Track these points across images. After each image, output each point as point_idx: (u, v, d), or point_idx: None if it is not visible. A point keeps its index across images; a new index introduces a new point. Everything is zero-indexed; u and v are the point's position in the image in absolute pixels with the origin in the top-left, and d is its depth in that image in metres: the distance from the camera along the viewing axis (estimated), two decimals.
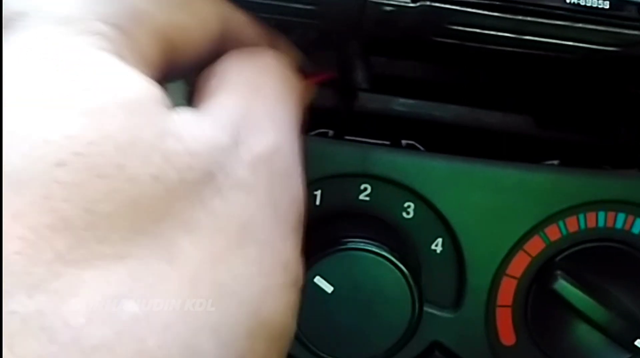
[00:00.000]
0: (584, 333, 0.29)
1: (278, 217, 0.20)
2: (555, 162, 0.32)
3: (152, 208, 0.17)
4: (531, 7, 0.27)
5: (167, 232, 0.17)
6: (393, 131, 0.33)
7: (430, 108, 0.33)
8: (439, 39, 0.34)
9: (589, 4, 0.27)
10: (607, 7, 0.27)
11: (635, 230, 0.29)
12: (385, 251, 0.27)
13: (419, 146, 0.32)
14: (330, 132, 0.32)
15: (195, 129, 0.18)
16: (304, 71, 0.30)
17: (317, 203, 0.29)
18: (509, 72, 0.38)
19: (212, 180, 0.18)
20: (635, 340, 0.29)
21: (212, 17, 0.23)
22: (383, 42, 0.38)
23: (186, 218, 0.17)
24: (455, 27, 0.31)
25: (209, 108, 0.20)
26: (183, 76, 0.26)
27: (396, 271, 0.27)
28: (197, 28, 0.22)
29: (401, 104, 0.33)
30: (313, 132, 0.32)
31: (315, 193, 0.29)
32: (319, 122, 0.32)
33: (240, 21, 0.26)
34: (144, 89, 0.18)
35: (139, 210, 0.16)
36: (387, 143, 0.32)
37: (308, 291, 0.27)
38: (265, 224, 0.19)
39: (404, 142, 0.32)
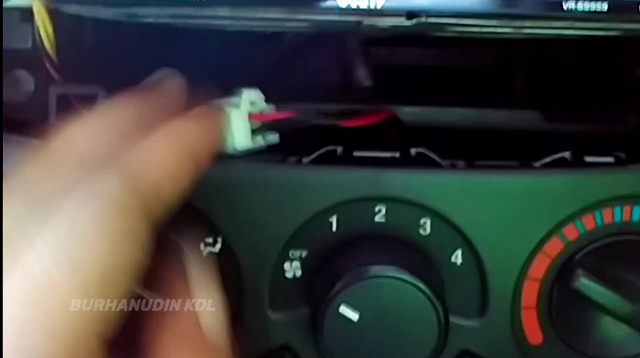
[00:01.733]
0: (610, 325, 0.30)
1: None
2: (567, 154, 0.32)
3: None
4: (528, 15, 0.27)
5: None
6: (402, 139, 0.33)
7: (436, 114, 0.33)
8: (439, 34, 0.34)
9: (586, 9, 0.26)
10: (606, 9, 0.26)
11: None
12: (405, 274, 0.27)
13: (429, 153, 0.32)
14: (339, 149, 0.32)
15: None
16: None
17: (334, 229, 0.29)
18: (512, 65, 0.37)
19: None
20: None
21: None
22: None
23: None
24: (454, 29, 0.31)
25: None
26: None
27: (419, 292, 0.27)
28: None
29: (407, 112, 0.33)
30: (321, 150, 0.32)
31: (331, 219, 0.29)
32: (326, 138, 0.32)
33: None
34: None
35: None
36: (397, 154, 0.32)
37: (334, 320, 0.27)
38: None
39: (413, 150, 0.32)
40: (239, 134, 0.31)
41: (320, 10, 0.27)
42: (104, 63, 0.34)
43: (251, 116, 0.31)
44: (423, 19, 0.28)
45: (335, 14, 0.28)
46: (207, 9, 0.29)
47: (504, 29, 0.29)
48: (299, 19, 0.29)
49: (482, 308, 0.30)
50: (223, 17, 0.30)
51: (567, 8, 0.26)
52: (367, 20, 0.28)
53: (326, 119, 0.32)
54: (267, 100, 0.32)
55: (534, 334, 0.30)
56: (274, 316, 0.30)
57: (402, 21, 0.28)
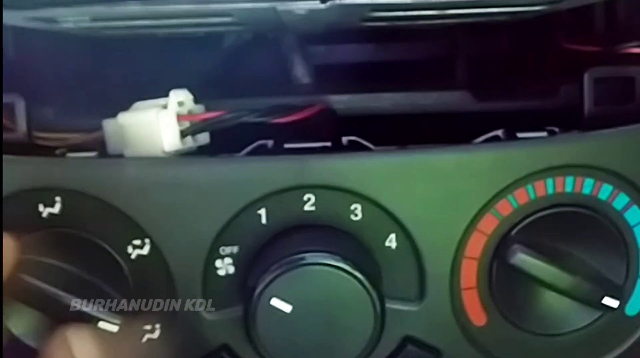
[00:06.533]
0: (553, 300, 0.29)
1: None
2: (499, 132, 0.31)
3: None
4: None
5: None
6: (336, 130, 0.32)
7: (365, 100, 0.33)
8: (368, 24, 0.34)
9: None
10: None
11: (585, 191, 0.29)
12: (337, 260, 0.26)
13: (361, 141, 0.31)
14: (270, 143, 0.32)
15: None
16: None
17: (263, 222, 0.28)
18: (442, 48, 0.37)
19: None
20: (603, 297, 0.29)
21: None
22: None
23: None
24: (378, 14, 0.31)
25: None
26: None
27: (352, 279, 0.26)
28: None
29: (336, 101, 0.32)
30: (252, 146, 0.31)
31: (260, 212, 0.28)
32: (260, 133, 0.32)
33: None
34: None
35: None
36: (329, 143, 0.31)
37: (266, 314, 0.26)
38: None
39: (344, 139, 0.32)
40: (168, 136, 0.30)
41: None
42: (25, 73, 0.33)
43: (180, 117, 0.31)
44: (337, 2, 0.27)
45: (248, 0, 0.27)
46: (117, 5, 0.28)
47: (425, 11, 0.29)
48: (213, 10, 0.28)
49: (421, 291, 0.29)
50: (137, 16, 0.29)
51: None
52: (281, 6, 0.28)
53: (256, 116, 0.31)
54: (200, 99, 0.32)
55: (477, 315, 0.30)
56: (209, 316, 0.29)
57: (317, 4, 0.28)
